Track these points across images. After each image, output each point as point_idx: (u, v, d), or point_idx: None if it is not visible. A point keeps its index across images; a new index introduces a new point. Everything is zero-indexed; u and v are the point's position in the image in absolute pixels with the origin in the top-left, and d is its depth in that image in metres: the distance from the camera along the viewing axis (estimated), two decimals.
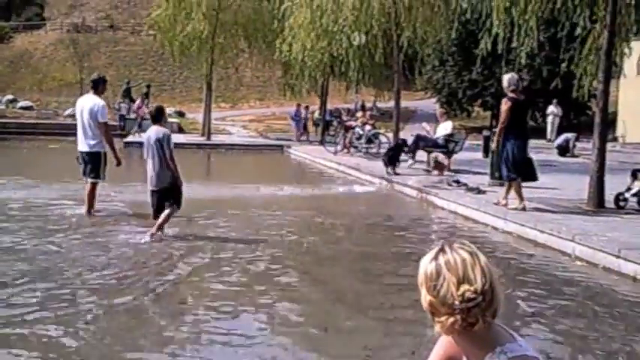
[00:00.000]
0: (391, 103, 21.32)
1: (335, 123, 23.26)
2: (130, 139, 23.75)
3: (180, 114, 33.84)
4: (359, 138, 18.72)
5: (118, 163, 9.06)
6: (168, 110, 33.15)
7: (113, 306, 5.24)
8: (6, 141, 23.35)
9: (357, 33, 18.38)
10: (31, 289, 5.59)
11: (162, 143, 7.44)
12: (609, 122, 12.56)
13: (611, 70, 9.71)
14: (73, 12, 53.03)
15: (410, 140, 15.01)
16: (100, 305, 5.24)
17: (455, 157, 14.58)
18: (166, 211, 7.48)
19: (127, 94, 30.39)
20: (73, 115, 31.54)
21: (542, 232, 7.89)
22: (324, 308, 5.50)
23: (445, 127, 14.61)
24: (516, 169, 8.99)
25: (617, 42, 9.85)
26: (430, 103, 35.34)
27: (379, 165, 14.49)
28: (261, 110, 38.87)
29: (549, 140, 24.69)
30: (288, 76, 26.29)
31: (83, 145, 8.89)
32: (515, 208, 8.91)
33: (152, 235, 7.37)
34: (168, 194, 7.53)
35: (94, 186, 8.88)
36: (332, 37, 18.22)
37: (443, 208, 10.45)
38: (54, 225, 8.30)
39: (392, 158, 13.79)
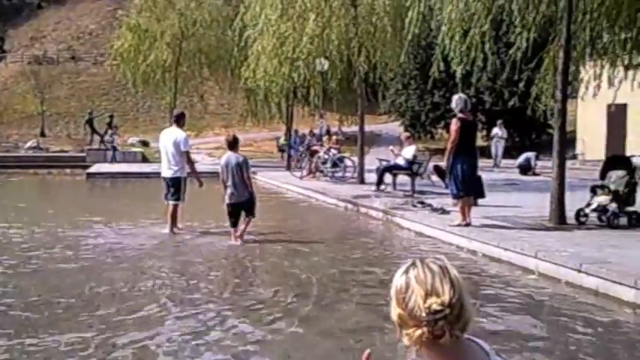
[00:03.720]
0: (356, 128, 21.51)
1: (300, 148, 23.30)
2: (93, 170, 23.43)
3: (145, 143, 33.52)
4: (324, 162, 18.78)
5: (200, 184, 10.33)
6: (131, 140, 33.01)
7: None
8: None
9: (321, 59, 18.62)
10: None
11: (241, 167, 9.15)
12: (568, 140, 12.84)
13: (567, 89, 9.94)
14: (34, 44, 52.51)
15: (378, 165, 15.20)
16: None
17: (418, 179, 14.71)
18: (246, 220, 9.30)
19: (90, 125, 30.13)
20: (34, 148, 31.26)
21: (505, 249, 7.98)
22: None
23: (409, 151, 14.76)
24: (465, 187, 9.20)
25: (573, 62, 10.13)
26: (395, 127, 35.70)
27: (344, 188, 14.48)
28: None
29: (495, 165, 23.00)
30: (252, 102, 26.34)
31: (167, 171, 10.08)
32: (459, 225, 9.19)
33: (238, 238, 9.18)
34: (245, 207, 9.24)
35: (175, 207, 10.06)
36: (294, 64, 18.38)
37: (409, 229, 10.50)
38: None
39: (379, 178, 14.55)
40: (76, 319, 5.69)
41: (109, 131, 28.01)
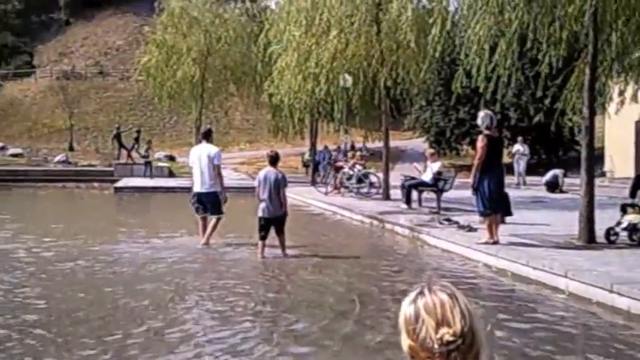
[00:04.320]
0: (380, 144, 21.48)
1: (325, 164, 23.36)
2: (121, 184, 23.70)
3: (171, 158, 33.89)
4: (349, 178, 18.80)
5: (225, 200, 10.43)
6: (158, 154, 33.34)
7: None
8: None
9: (344, 75, 18.72)
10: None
11: (279, 183, 9.35)
12: (596, 157, 12.72)
13: (594, 106, 9.85)
14: (63, 59, 53.53)
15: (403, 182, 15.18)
16: None
17: (445, 195, 14.65)
18: (282, 236, 9.48)
19: (118, 140, 30.55)
20: (63, 162, 31.77)
21: (534, 268, 7.89)
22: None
23: (434, 168, 14.71)
24: (492, 205, 9.13)
25: (599, 78, 10.07)
26: (419, 143, 35.63)
27: (370, 204, 14.45)
28: (251, 153, 39.04)
29: (520, 183, 22.20)
30: (277, 118, 26.52)
31: (201, 186, 10.28)
32: (486, 242, 9.10)
33: (283, 252, 9.53)
34: (277, 223, 9.39)
35: (218, 220, 10.25)
36: (317, 80, 18.51)
37: (436, 247, 10.45)
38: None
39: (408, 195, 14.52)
40: (113, 333, 5.76)
41: (144, 146, 28.14)
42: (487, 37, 10.25)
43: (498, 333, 5.70)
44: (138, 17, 55.01)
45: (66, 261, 9.13)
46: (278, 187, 9.35)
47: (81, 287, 7.61)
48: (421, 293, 1.68)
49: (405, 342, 1.67)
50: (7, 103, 45.88)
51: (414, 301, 1.67)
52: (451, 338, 1.59)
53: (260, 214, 9.43)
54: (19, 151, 35.41)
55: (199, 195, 10.35)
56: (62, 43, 56.77)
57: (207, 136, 10.63)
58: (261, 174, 9.61)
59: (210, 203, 10.27)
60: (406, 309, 1.68)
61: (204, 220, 10.40)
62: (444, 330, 1.61)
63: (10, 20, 57.87)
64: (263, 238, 9.43)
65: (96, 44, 55.69)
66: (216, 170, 10.32)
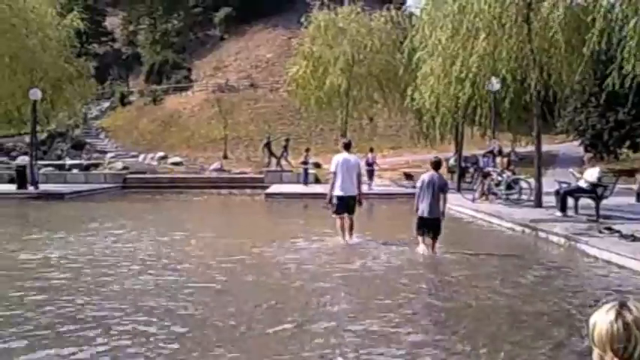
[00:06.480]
0: (530, 148, 20.63)
1: (471, 170, 22.85)
2: (271, 190, 24.69)
3: (317, 165, 34.79)
4: (498, 184, 18.24)
5: (360, 204, 11.54)
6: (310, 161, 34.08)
7: None
8: (159, 195, 25.27)
9: (493, 78, 18.26)
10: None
11: (442, 188, 10.19)
12: None
13: None
14: (217, 73, 56.87)
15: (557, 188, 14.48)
16: None
17: (604, 202, 13.78)
18: (437, 237, 10.18)
19: (268, 148, 31.95)
20: (218, 169, 33.79)
21: None
22: None
23: (592, 174, 13.88)
24: None
25: None
26: (572, 147, 33.77)
27: (520, 212, 13.91)
28: (394, 159, 39.09)
29: None
30: (422, 123, 26.37)
31: (345, 190, 11.33)
32: None
33: (433, 250, 10.20)
34: (434, 225, 10.16)
35: (353, 219, 11.40)
36: (462, 84, 18.22)
37: (595, 257, 9.86)
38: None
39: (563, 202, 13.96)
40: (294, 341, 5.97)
41: (303, 154, 28.81)
42: None
43: None
44: (286, 30, 57.18)
45: (226, 261, 9.73)
46: (442, 191, 10.11)
47: (246, 289, 8.09)
48: (625, 307, 1.56)
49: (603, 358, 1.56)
50: (168, 115, 49.56)
51: (620, 315, 1.55)
52: None
53: (420, 213, 10.21)
54: (178, 159, 38.14)
55: (343, 198, 11.32)
56: (217, 58, 60.40)
57: (348, 147, 11.77)
58: (425, 177, 10.32)
59: (350, 205, 11.36)
60: (610, 324, 1.55)
61: (343, 219, 11.41)
62: None
63: (170, 38, 62.72)
64: (422, 234, 10.26)
65: (248, 58, 58.64)
66: (359, 177, 11.55)
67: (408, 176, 27.22)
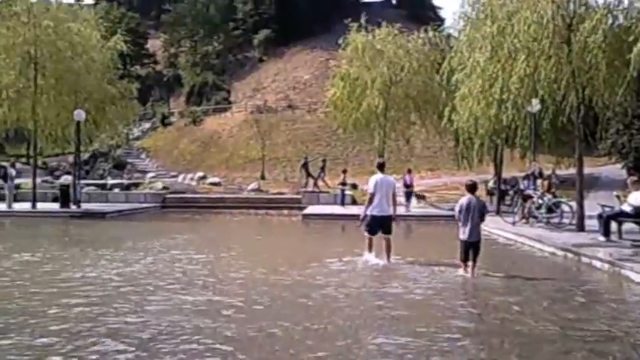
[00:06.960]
0: (572, 171, 20.26)
1: (511, 192, 22.53)
2: (308, 211, 24.75)
3: (354, 186, 34.77)
4: (539, 207, 17.95)
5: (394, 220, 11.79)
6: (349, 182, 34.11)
7: None
8: (198, 214, 25.57)
9: (533, 100, 18.07)
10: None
11: (482, 210, 10.35)
12: None
13: None
14: (256, 95, 57.60)
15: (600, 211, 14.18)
16: None
17: None
18: (477, 260, 10.31)
19: (306, 169, 32.09)
20: (255, 190, 34.05)
21: None
22: None
23: (636, 197, 13.57)
24: None
25: None
26: (615, 169, 33.11)
27: (562, 236, 13.64)
28: (432, 181, 38.83)
29: None
30: (460, 145, 26.15)
31: (382, 210, 11.52)
32: None
33: (473, 274, 10.24)
34: (475, 247, 10.31)
35: (390, 239, 11.57)
36: (501, 106, 18.08)
37: None
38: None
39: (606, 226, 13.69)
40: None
41: (341, 175, 28.81)
42: None
43: None
44: (324, 52, 57.72)
45: (266, 283, 9.77)
46: (480, 213, 10.27)
47: (280, 307, 8.13)
48: None
49: None
50: (208, 136, 50.28)
51: None
52: None
53: (462, 237, 10.35)
54: (217, 180, 38.61)
55: (376, 218, 11.51)
56: (255, 80, 61.23)
57: (382, 168, 11.99)
58: (464, 201, 10.41)
59: (386, 225, 11.55)
60: None
61: (371, 240, 11.68)
62: None
63: (210, 60, 63.88)
64: (464, 259, 10.34)
65: (285, 79, 59.29)
66: (392, 198, 11.77)
67: (420, 197, 27.24)
